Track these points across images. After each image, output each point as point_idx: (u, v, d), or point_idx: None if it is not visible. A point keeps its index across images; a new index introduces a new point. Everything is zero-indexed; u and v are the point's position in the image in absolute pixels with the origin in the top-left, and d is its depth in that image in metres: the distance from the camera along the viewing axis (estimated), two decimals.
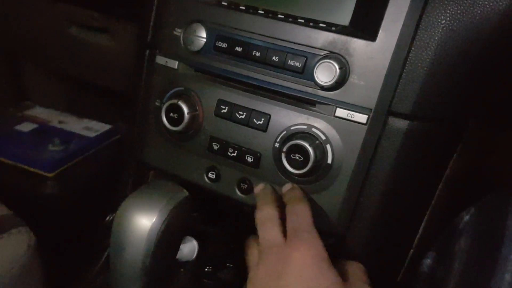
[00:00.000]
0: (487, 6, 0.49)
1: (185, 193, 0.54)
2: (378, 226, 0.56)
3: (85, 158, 1.08)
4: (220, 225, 0.77)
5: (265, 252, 0.50)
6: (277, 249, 0.48)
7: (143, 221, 0.49)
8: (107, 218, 0.62)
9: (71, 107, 1.27)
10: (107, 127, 1.18)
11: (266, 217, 0.52)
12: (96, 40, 0.97)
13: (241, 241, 0.77)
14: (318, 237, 0.48)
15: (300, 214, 0.50)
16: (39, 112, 1.23)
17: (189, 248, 0.70)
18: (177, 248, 0.57)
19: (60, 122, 1.19)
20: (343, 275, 0.47)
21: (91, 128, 1.17)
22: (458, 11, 0.49)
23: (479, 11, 0.49)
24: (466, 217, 0.50)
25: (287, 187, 0.56)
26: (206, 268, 0.74)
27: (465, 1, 0.49)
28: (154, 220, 0.49)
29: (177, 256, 0.67)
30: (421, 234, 0.58)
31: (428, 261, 0.54)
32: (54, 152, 1.04)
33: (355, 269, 0.52)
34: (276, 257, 0.48)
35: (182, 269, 0.73)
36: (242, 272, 0.74)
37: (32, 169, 1.00)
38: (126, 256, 0.50)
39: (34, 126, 1.15)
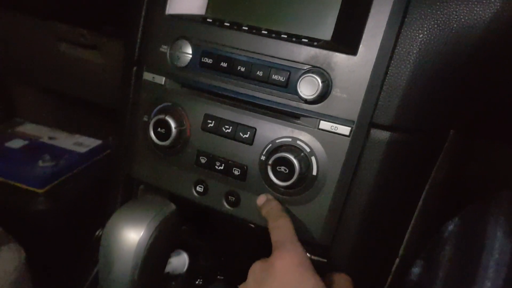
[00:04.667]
0: (463, 20, 0.51)
1: (173, 207, 0.55)
2: (364, 236, 0.57)
3: (76, 173, 1.09)
4: (210, 237, 0.78)
5: (253, 264, 0.51)
6: (263, 260, 0.50)
7: (131, 236, 0.50)
8: (97, 233, 0.63)
9: (61, 123, 1.27)
10: (97, 142, 1.18)
11: None
12: (85, 57, 0.99)
13: (231, 254, 0.78)
14: (301, 247, 0.49)
15: (282, 228, 0.51)
16: (29, 128, 1.24)
17: (179, 261, 0.70)
18: (165, 261, 0.57)
19: (50, 138, 1.19)
20: (327, 283, 0.48)
21: (81, 143, 1.17)
22: (435, 25, 0.51)
23: (455, 25, 0.51)
24: (450, 227, 0.51)
25: (262, 199, 0.57)
26: (197, 281, 0.74)
27: (442, 16, 0.51)
28: (141, 234, 0.50)
29: (168, 269, 0.68)
30: (407, 243, 0.59)
31: (416, 270, 0.55)
32: (44, 168, 1.05)
33: (340, 279, 0.53)
34: (261, 267, 0.49)
35: (173, 282, 0.73)
36: (232, 284, 0.75)
37: (22, 186, 1.01)
38: (115, 271, 0.50)
39: (25, 142, 1.16)
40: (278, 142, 0.57)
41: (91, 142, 1.18)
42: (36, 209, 0.98)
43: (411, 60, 0.52)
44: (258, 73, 0.57)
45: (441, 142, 0.57)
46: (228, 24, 0.60)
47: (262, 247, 0.65)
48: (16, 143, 1.15)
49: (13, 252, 0.72)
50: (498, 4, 0.49)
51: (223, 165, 0.60)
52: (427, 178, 0.58)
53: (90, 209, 0.83)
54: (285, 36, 0.57)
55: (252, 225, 0.64)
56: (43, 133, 1.21)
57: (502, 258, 0.43)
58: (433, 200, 0.59)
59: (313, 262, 0.50)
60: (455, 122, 0.56)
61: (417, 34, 0.51)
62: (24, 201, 0.99)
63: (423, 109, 0.53)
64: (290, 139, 0.56)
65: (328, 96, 0.54)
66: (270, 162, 0.55)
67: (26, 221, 0.97)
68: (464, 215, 0.50)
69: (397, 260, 0.60)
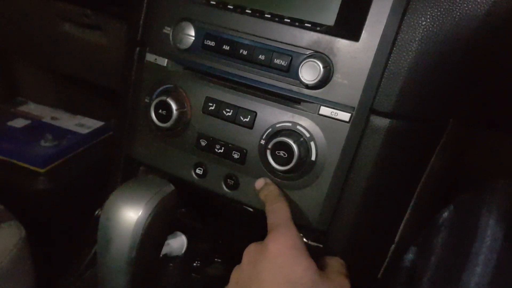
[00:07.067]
0: (466, 9, 0.50)
1: (171, 187, 0.55)
2: (360, 222, 0.57)
3: (77, 154, 1.09)
4: (208, 220, 0.78)
5: (248, 246, 0.52)
6: (258, 242, 0.50)
7: (130, 214, 0.50)
8: (96, 212, 0.63)
9: (64, 104, 1.28)
10: (99, 123, 1.19)
11: None
12: (88, 37, 0.98)
13: (228, 237, 0.79)
14: (295, 230, 0.50)
15: (278, 212, 0.52)
16: (32, 108, 1.24)
17: (178, 243, 0.71)
18: (163, 242, 0.58)
19: (52, 118, 1.20)
20: (321, 267, 0.49)
21: (83, 124, 1.18)
22: (438, 13, 0.51)
23: (458, 13, 0.51)
24: (445, 214, 0.51)
25: (260, 183, 0.58)
26: (194, 263, 0.75)
27: (445, 4, 0.51)
28: (140, 213, 0.50)
29: (166, 251, 0.69)
30: (403, 230, 0.60)
31: (410, 256, 0.55)
32: (46, 148, 1.05)
33: (334, 262, 0.53)
34: (255, 248, 0.50)
35: (171, 264, 0.74)
36: (229, 266, 0.76)
37: (24, 165, 1.01)
38: (113, 249, 0.51)
39: (27, 122, 1.16)
40: (278, 126, 0.57)
41: (93, 124, 1.19)
42: (37, 188, 0.99)
43: (413, 48, 0.52)
44: (260, 56, 0.57)
45: (440, 130, 0.57)
46: (231, 7, 0.60)
47: (260, 230, 0.66)
48: (18, 123, 1.15)
49: (13, 230, 0.73)
50: None
51: (223, 148, 0.60)
52: (425, 166, 0.58)
53: (91, 190, 0.83)
54: (288, 21, 0.57)
55: (250, 209, 0.64)
56: (45, 113, 1.22)
57: (493, 245, 0.43)
58: (430, 189, 0.59)
59: (309, 247, 0.50)
60: (455, 111, 0.56)
61: (420, 22, 0.51)
62: (26, 180, 1.00)
63: (424, 96, 0.53)
64: (290, 124, 0.56)
65: (329, 82, 0.54)
66: (269, 146, 0.56)
67: (27, 200, 0.98)
68: (458, 203, 0.51)
69: (393, 247, 0.60)
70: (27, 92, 1.31)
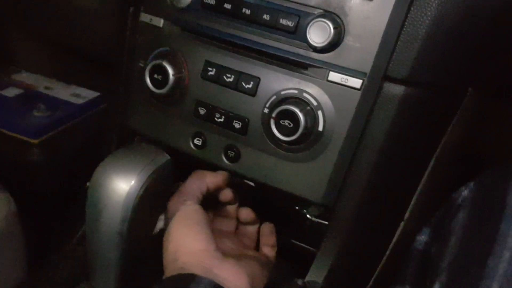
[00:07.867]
0: None
1: (167, 157, 0.51)
2: (368, 198, 0.54)
3: (72, 125, 1.05)
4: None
5: None
6: None
7: (121, 185, 0.46)
8: (87, 184, 0.60)
9: (58, 74, 1.23)
10: (95, 94, 1.14)
11: None
12: (80, 2, 0.93)
13: None
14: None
15: None
16: (25, 77, 1.19)
17: None
18: (157, 217, 0.54)
19: (46, 87, 1.15)
20: None
21: (78, 95, 1.13)
22: None
23: None
24: (465, 192, 0.46)
25: None
26: None
27: None
28: (132, 183, 0.46)
29: (161, 227, 0.65)
30: (414, 207, 0.56)
31: (422, 238, 0.51)
32: (39, 118, 1.01)
33: None
34: None
35: None
36: None
37: (16, 135, 0.97)
38: (102, 222, 0.47)
39: (20, 91, 1.11)
40: (283, 94, 0.53)
41: (89, 94, 1.14)
42: (30, 159, 0.95)
43: (432, 8, 0.47)
44: (264, 16, 0.52)
45: (458, 100, 0.53)
46: None
47: (260, 207, 0.63)
48: (10, 92, 1.11)
49: (2, 202, 0.70)
50: None
51: (223, 117, 0.56)
52: (440, 139, 0.54)
53: (85, 162, 0.79)
54: None
55: (252, 184, 0.61)
56: (39, 82, 1.17)
57: None
58: (445, 164, 0.56)
59: (314, 224, 0.47)
60: (475, 79, 0.52)
61: None
62: (18, 151, 0.96)
63: (442, 62, 0.49)
64: (296, 91, 0.52)
65: (339, 45, 0.50)
66: (273, 115, 0.52)
67: (18, 172, 0.94)
68: (480, 180, 0.46)
69: (402, 224, 0.56)
70: (21, 61, 1.26)
